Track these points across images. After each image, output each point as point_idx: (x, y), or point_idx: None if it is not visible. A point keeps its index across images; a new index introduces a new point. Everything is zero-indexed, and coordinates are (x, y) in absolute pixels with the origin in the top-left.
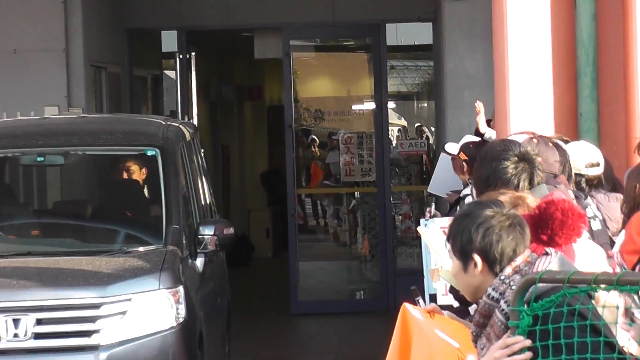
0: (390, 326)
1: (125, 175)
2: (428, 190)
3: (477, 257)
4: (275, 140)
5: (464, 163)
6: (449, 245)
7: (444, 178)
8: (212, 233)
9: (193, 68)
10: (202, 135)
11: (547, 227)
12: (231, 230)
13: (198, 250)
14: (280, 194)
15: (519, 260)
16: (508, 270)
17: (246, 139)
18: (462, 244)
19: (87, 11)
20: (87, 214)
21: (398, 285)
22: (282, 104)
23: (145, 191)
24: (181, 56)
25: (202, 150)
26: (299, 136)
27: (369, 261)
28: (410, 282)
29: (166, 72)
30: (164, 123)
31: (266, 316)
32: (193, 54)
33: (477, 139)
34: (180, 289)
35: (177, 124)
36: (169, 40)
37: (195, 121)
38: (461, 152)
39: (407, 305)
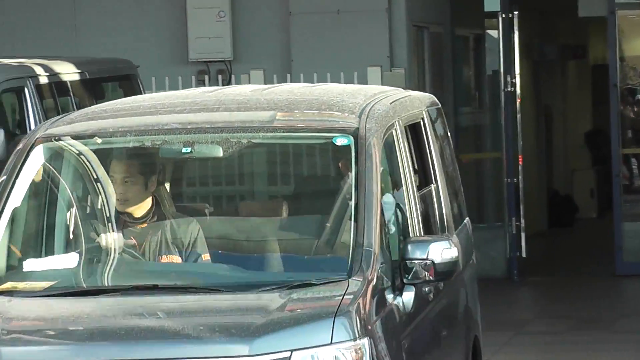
0: None
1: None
2: None
3: None
4: (600, 100)
5: None
6: None
7: None
8: (424, 257)
9: (515, 27)
10: (525, 94)
11: None
12: (454, 252)
13: (405, 281)
14: (604, 153)
15: None
16: None
17: (569, 99)
18: None
19: None
20: (239, 227)
21: None
22: (607, 63)
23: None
24: (503, 15)
25: (444, 134)
26: (624, 95)
27: None
28: None
29: (488, 31)
30: (372, 98)
31: (589, 277)
32: (515, 13)
33: None
34: (365, 342)
35: (395, 99)
36: (491, 0)
37: (517, 81)
38: None
39: None
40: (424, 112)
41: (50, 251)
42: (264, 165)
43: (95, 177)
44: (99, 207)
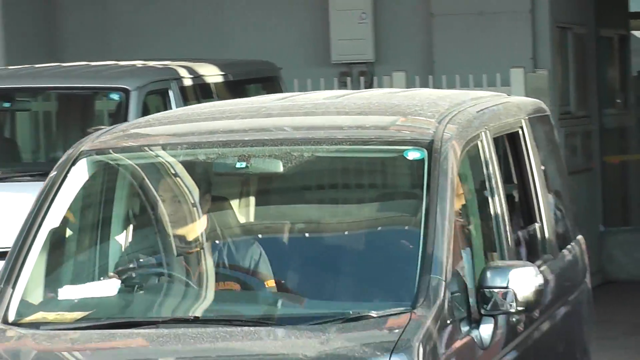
0: None
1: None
2: None
3: None
4: None
5: None
6: None
7: None
8: (504, 285)
9: None
10: None
11: None
12: (539, 280)
13: (483, 312)
14: None
15: None
16: None
17: None
18: None
19: None
20: (299, 249)
21: None
22: None
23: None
24: None
25: (550, 145)
26: None
27: None
28: None
29: (633, 32)
30: (457, 106)
31: None
32: None
33: None
34: None
35: (486, 107)
36: (637, 0)
37: None
38: None
39: None
40: (522, 121)
41: (89, 277)
42: (327, 182)
43: (143, 195)
44: (148, 229)
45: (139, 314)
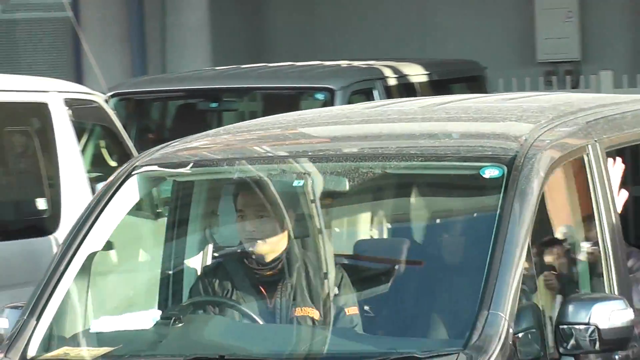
0: None
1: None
2: None
3: None
4: None
5: None
6: None
7: None
8: (585, 320)
9: None
10: None
11: None
12: (627, 315)
13: (562, 351)
14: None
15: None
16: None
17: None
18: None
19: None
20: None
21: None
22: None
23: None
24: None
25: None
26: None
27: None
28: None
29: None
30: (564, 115)
31: None
32: None
33: None
34: None
35: (604, 115)
36: None
37: None
38: None
39: None
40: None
41: (132, 306)
42: (396, 201)
43: (203, 213)
44: (234, 249)
45: (166, 350)
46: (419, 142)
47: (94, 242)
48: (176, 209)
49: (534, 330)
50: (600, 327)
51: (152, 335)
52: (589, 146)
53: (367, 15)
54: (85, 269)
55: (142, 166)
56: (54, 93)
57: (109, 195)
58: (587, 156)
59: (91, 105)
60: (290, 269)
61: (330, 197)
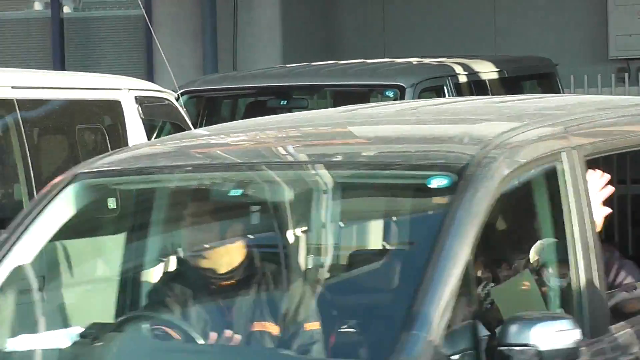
0: None
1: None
2: None
3: None
4: None
5: None
6: None
7: None
8: (525, 342)
9: None
10: None
11: None
12: (572, 336)
13: None
14: None
15: None
16: None
17: None
18: None
19: None
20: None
21: None
22: None
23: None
24: None
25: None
26: None
27: None
28: None
29: None
30: (541, 119)
31: None
32: None
33: None
34: None
35: (594, 120)
36: None
37: None
38: None
39: None
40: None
41: (56, 323)
42: (334, 212)
43: (154, 224)
44: (168, 263)
45: None
46: (369, 148)
47: (21, 255)
48: (123, 218)
49: (470, 351)
50: (541, 348)
51: (65, 356)
52: (564, 153)
53: (438, 13)
54: (10, 283)
55: (82, 174)
56: (125, 91)
57: (43, 205)
58: (560, 164)
59: (162, 103)
60: (247, 280)
61: (274, 208)
